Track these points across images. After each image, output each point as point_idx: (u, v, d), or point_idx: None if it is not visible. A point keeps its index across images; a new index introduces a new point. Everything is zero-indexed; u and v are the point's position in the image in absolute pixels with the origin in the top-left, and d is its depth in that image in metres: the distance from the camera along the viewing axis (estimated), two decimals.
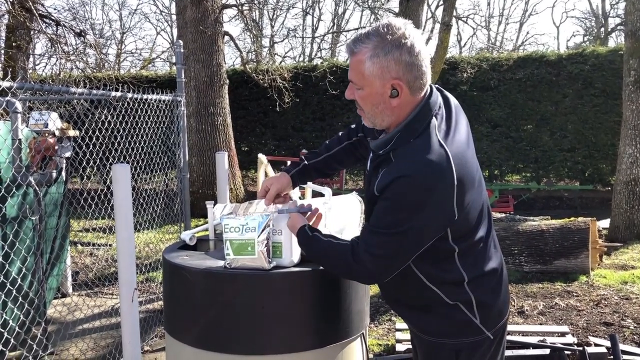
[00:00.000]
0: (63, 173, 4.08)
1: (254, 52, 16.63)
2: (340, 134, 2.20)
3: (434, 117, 1.68)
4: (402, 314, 1.93)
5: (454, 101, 1.80)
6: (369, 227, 1.72)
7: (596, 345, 3.85)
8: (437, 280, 1.74)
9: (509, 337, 3.88)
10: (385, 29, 1.61)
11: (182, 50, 4.81)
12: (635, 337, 4.13)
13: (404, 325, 4.13)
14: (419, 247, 1.66)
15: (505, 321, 1.87)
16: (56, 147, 3.92)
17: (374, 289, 5.25)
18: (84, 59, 9.97)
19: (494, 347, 1.83)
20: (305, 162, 2.16)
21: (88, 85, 3.79)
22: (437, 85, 1.83)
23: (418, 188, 1.57)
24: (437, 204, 1.59)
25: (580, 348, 3.68)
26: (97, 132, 4.14)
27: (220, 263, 2.07)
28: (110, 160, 4.11)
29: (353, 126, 2.15)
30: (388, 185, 1.61)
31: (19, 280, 3.64)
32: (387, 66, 1.61)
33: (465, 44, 28.72)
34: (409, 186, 1.57)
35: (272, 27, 26.01)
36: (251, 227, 1.96)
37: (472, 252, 1.75)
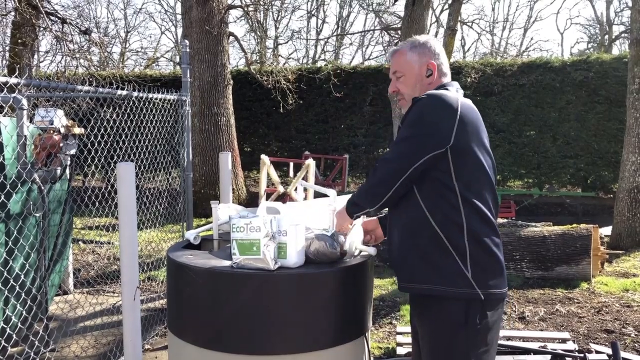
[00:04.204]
0: (67, 170, 4.09)
1: (258, 53, 16.66)
2: None
3: (451, 87, 2.13)
4: (405, 265, 2.04)
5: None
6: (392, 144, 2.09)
7: (597, 352, 3.85)
8: (439, 215, 1.96)
9: (510, 343, 3.88)
10: (416, 37, 2.23)
11: (187, 50, 4.82)
12: (636, 345, 4.12)
13: (405, 329, 4.12)
14: (418, 155, 1.95)
15: (502, 296, 2.02)
16: (61, 145, 3.93)
17: (376, 292, 5.25)
18: (89, 57, 9.98)
19: (488, 317, 1.96)
20: None
21: (94, 84, 3.80)
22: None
23: (425, 106, 2.00)
24: (437, 119, 1.97)
25: (582, 355, 3.68)
26: (101, 130, 4.15)
27: (224, 262, 2.08)
28: (115, 159, 4.12)
29: None
30: (409, 111, 2.06)
31: (22, 276, 3.64)
32: (423, 52, 2.17)
33: (469, 49, 28.76)
34: (419, 107, 2.01)
35: (277, 28, 26.04)
36: (255, 227, 1.97)
37: (475, 206, 1.96)
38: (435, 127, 1.96)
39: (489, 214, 2.01)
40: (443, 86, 2.13)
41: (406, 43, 2.21)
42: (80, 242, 7.17)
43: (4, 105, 3.28)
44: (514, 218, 8.47)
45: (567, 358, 3.66)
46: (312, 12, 26.27)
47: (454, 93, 2.06)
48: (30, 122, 3.98)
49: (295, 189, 2.79)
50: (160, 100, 4.54)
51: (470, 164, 1.98)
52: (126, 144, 4.40)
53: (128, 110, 4.30)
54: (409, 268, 2.03)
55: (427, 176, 1.98)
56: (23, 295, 3.61)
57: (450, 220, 1.95)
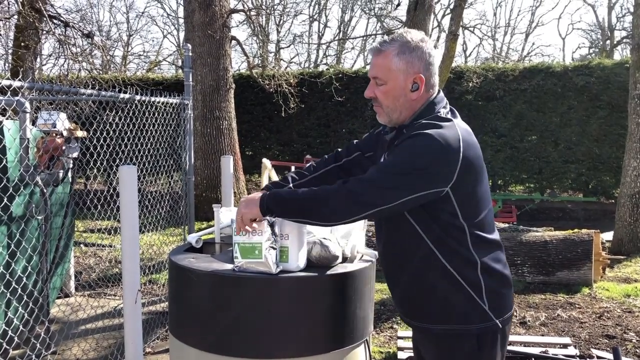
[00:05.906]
0: (70, 173, 4.10)
1: (260, 57, 16.70)
2: (326, 156, 2.24)
3: (442, 107, 1.90)
4: (414, 307, 1.95)
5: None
6: (375, 167, 1.84)
7: (599, 357, 3.84)
8: (451, 256, 1.83)
9: (511, 348, 3.87)
10: (407, 35, 1.88)
11: (190, 54, 4.83)
12: (637, 350, 4.12)
13: (406, 333, 4.12)
14: (413, 191, 1.75)
15: (511, 314, 1.95)
16: (63, 148, 3.94)
17: (377, 296, 5.24)
18: (91, 60, 10.01)
19: (505, 338, 1.92)
20: (290, 185, 2.17)
21: (96, 87, 3.81)
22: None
23: (429, 141, 1.74)
24: (441, 158, 1.74)
25: None
26: (104, 134, 4.16)
27: (226, 266, 2.08)
28: (117, 162, 4.13)
29: (340, 149, 2.22)
30: (403, 140, 1.80)
31: (23, 278, 3.65)
32: (412, 62, 1.85)
33: (470, 54, 28.82)
34: (421, 139, 1.75)
35: (279, 32, 26.13)
36: (258, 230, 1.97)
37: (482, 238, 1.85)
38: (431, 172, 1.74)
39: (493, 236, 1.91)
40: (433, 107, 1.88)
41: (393, 43, 1.85)
42: (82, 245, 7.18)
43: (7, 108, 3.30)
44: (515, 223, 8.46)
45: None
46: (314, 17, 26.36)
47: (452, 127, 1.80)
48: (33, 125, 3.99)
49: None
50: (162, 103, 4.55)
51: (474, 199, 1.84)
52: (128, 147, 4.41)
53: (130, 114, 4.31)
54: (420, 308, 1.93)
55: (434, 218, 1.82)
56: (25, 297, 3.62)
57: (463, 258, 1.84)
